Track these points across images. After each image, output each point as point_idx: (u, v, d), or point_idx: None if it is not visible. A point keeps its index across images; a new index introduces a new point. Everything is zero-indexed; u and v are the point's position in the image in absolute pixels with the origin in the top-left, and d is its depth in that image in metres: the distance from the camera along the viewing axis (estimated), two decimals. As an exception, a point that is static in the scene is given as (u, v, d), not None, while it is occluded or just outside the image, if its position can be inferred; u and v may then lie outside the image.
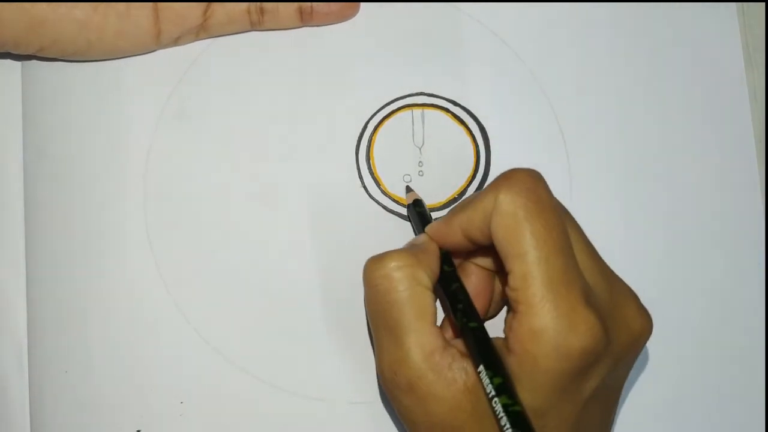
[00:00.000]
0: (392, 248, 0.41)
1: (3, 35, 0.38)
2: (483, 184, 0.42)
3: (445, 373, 0.33)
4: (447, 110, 0.42)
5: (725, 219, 0.43)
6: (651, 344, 0.42)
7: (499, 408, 0.32)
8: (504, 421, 0.31)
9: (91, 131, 0.42)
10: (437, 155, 0.42)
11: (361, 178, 0.42)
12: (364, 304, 0.36)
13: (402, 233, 0.41)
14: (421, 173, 0.42)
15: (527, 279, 0.33)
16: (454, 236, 0.36)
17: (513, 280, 0.33)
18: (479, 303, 0.38)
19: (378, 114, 0.42)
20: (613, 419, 0.37)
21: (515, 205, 0.33)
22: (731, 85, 0.44)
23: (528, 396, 0.33)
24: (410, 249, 0.36)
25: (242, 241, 0.41)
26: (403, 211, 0.42)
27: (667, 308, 0.42)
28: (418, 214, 0.40)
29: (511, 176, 0.34)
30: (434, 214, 0.42)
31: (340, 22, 0.42)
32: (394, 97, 0.42)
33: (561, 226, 0.33)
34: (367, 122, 0.42)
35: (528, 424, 0.31)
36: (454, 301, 0.36)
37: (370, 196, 0.42)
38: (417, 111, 0.42)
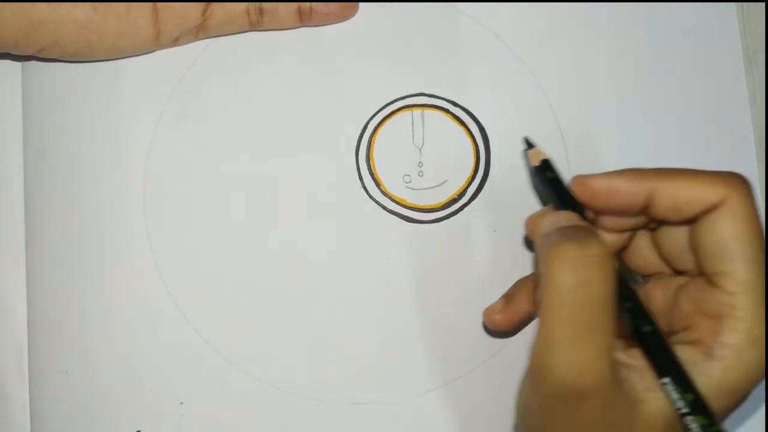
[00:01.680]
0: (392, 249, 0.41)
1: (3, 36, 0.38)
2: (483, 184, 0.42)
3: (621, 382, 0.32)
4: (447, 111, 0.42)
5: (725, 219, 0.43)
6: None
7: (696, 428, 0.31)
8: None
9: (91, 131, 0.42)
10: (437, 156, 0.42)
11: (361, 178, 0.42)
12: (551, 294, 0.31)
13: (402, 233, 0.41)
14: (421, 174, 0.42)
15: (750, 285, 0.32)
16: (633, 198, 0.34)
17: (730, 283, 0.32)
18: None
19: (378, 115, 0.42)
20: None
21: (750, 210, 0.33)
22: (731, 86, 0.44)
23: (725, 406, 0.32)
24: (591, 229, 0.33)
25: (242, 241, 0.41)
26: (403, 211, 0.42)
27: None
28: (552, 181, 0.36)
29: (744, 180, 0.33)
30: (434, 215, 0.42)
31: (340, 22, 0.42)
32: (394, 98, 0.42)
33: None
34: (367, 123, 0.42)
35: None
36: (623, 297, 0.33)
37: (370, 196, 0.42)
38: (417, 111, 0.42)
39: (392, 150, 0.42)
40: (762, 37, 0.45)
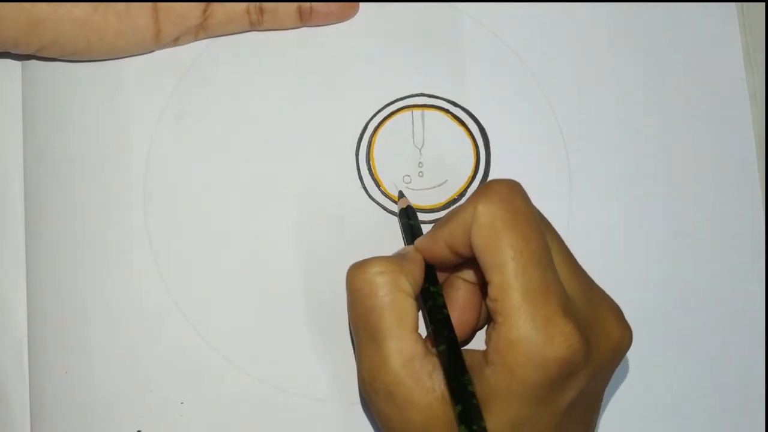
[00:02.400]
0: (392, 248, 0.41)
1: (3, 35, 0.38)
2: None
3: (424, 381, 0.33)
4: (447, 111, 0.42)
5: (725, 219, 0.43)
6: (651, 344, 0.42)
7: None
8: None
9: (91, 131, 0.42)
10: (437, 156, 0.42)
11: (361, 178, 0.42)
12: (347, 310, 0.36)
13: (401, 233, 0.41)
14: (421, 174, 0.42)
15: (505, 289, 0.32)
16: (440, 250, 0.36)
17: (492, 290, 0.33)
18: (467, 317, 0.38)
19: (378, 115, 0.42)
20: (593, 428, 0.37)
21: (493, 215, 0.33)
22: (731, 86, 0.44)
23: (504, 408, 0.33)
24: (394, 257, 0.36)
25: (242, 241, 0.41)
26: (403, 211, 0.42)
27: (667, 308, 0.42)
28: (407, 226, 0.40)
29: (488, 187, 0.34)
30: (434, 215, 0.42)
31: (340, 22, 0.42)
32: (394, 98, 0.42)
33: (539, 237, 0.33)
34: (367, 123, 0.42)
35: None
36: (433, 318, 0.36)
37: (370, 196, 0.42)
38: (417, 112, 0.42)
39: (392, 150, 0.42)
40: (762, 37, 0.45)
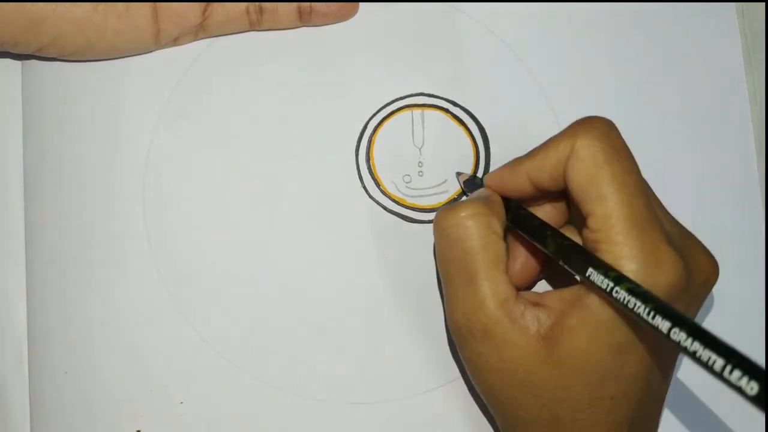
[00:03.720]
0: (392, 248, 0.41)
1: (2, 34, 0.38)
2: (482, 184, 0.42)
3: (520, 321, 0.34)
4: (447, 111, 0.42)
5: (725, 219, 0.43)
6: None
7: (623, 295, 0.31)
8: (634, 302, 0.31)
9: (91, 131, 0.42)
10: (437, 155, 0.42)
11: (361, 178, 0.42)
12: (435, 254, 0.37)
13: (402, 233, 0.41)
14: (420, 173, 0.42)
15: (610, 220, 0.33)
16: (519, 183, 0.37)
17: (594, 221, 0.33)
18: (531, 264, 0.38)
19: (378, 114, 0.42)
20: (675, 359, 0.37)
21: (594, 149, 0.34)
22: (731, 85, 0.44)
23: (608, 335, 0.33)
24: (480, 199, 0.37)
25: (242, 241, 0.41)
26: (403, 211, 0.42)
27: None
28: (474, 182, 0.41)
29: (587, 123, 0.35)
30: (433, 215, 0.42)
31: (340, 21, 0.42)
32: (394, 98, 0.42)
33: (638, 170, 0.35)
34: (367, 122, 0.42)
35: (661, 301, 0.31)
36: (542, 229, 0.36)
37: (370, 196, 0.42)
38: (417, 111, 0.42)
39: (392, 150, 0.42)
40: (762, 37, 0.45)
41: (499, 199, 0.37)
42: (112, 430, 0.40)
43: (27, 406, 0.40)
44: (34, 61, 0.42)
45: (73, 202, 0.41)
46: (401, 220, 0.42)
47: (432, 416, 0.41)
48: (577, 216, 0.36)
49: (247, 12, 0.41)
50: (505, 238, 0.37)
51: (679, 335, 0.30)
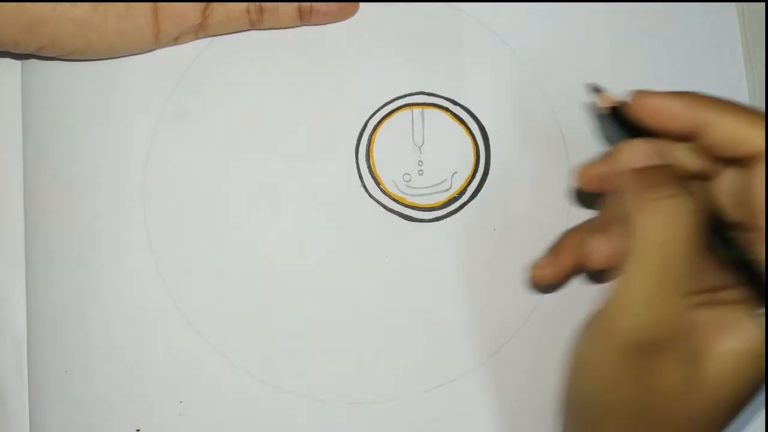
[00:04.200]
0: (392, 247, 0.41)
1: (2, 34, 0.38)
2: (483, 183, 0.42)
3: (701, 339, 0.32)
4: (447, 109, 0.42)
5: (725, 219, 0.43)
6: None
7: None
8: None
9: (90, 131, 0.42)
10: (437, 154, 0.42)
11: (361, 177, 0.42)
12: (637, 242, 0.31)
13: (402, 232, 0.41)
14: (420, 172, 0.42)
15: None
16: (684, 123, 0.33)
17: None
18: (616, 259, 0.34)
19: (378, 113, 0.42)
20: None
21: None
22: (731, 85, 0.44)
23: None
24: (678, 184, 0.32)
25: (242, 241, 0.41)
26: (403, 209, 0.42)
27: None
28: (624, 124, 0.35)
29: None
30: (433, 214, 0.42)
31: (340, 21, 0.42)
32: (394, 97, 0.42)
33: None
34: (367, 121, 0.42)
35: None
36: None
37: (370, 195, 0.42)
38: (417, 110, 0.42)
39: (392, 149, 0.42)
40: (762, 37, 0.45)
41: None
42: (112, 429, 0.40)
43: (26, 405, 0.40)
44: (34, 61, 0.42)
45: (73, 202, 0.41)
46: (401, 219, 0.42)
47: (432, 416, 0.41)
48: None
49: (248, 11, 0.41)
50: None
51: None
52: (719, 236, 0.33)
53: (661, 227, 0.31)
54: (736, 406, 0.32)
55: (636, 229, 0.31)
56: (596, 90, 0.36)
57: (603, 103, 0.35)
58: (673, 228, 0.31)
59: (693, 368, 0.31)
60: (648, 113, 0.34)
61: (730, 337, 0.31)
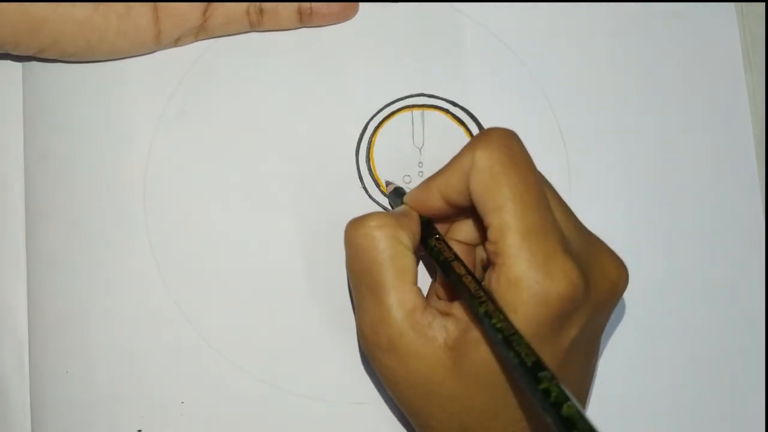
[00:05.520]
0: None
1: (3, 35, 0.38)
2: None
3: (426, 331, 0.34)
4: (447, 111, 0.43)
5: (725, 219, 0.43)
6: (651, 344, 0.42)
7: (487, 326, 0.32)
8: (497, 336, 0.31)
9: (91, 132, 0.42)
10: (437, 156, 0.42)
11: (361, 178, 0.42)
12: (346, 265, 0.36)
13: (402, 233, 0.41)
14: (421, 174, 0.42)
15: (504, 230, 0.33)
16: (433, 200, 0.36)
17: (491, 233, 0.33)
18: None
19: (378, 115, 0.42)
20: (593, 370, 0.37)
21: (492, 160, 0.34)
22: (730, 86, 0.44)
23: None
24: (391, 212, 0.37)
25: (242, 241, 0.41)
26: (403, 211, 0.42)
27: (667, 308, 0.42)
28: (397, 193, 0.40)
29: (487, 134, 0.35)
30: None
31: (340, 22, 0.42)
32: (394, 98, 0.42)
33: (537, 180, 0.34)
34: (367, 123, 0.42)
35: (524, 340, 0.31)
36: (447, 262, 0.35)
37: (370, 196, 0.42)
38: (417, 112, 0.42)
39: (392, 150, 0.42)
40: (761, 37, 0.45)
41: (415, 216, 0.37)
42: (113, 429, 0.40)
43: (28, 405, 0.40)
44: (34, 63, 0.42)
45: (73, 202, 0.41)
46: (401, 220, 0.42)
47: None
48: (482, 236, 0.36)
49: (248, 13, 0.41)
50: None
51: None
52: (427, 244, 0.36)
53: (347, 250, 0.36)
54: (499, 386, 0.34)
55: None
56: (386, 182, 0.42)
57: (388, 190, 0.41)
58: (354, 250, 0.35)
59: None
60: (416, 208, 0.37)
61: (476, 324, 0.33)
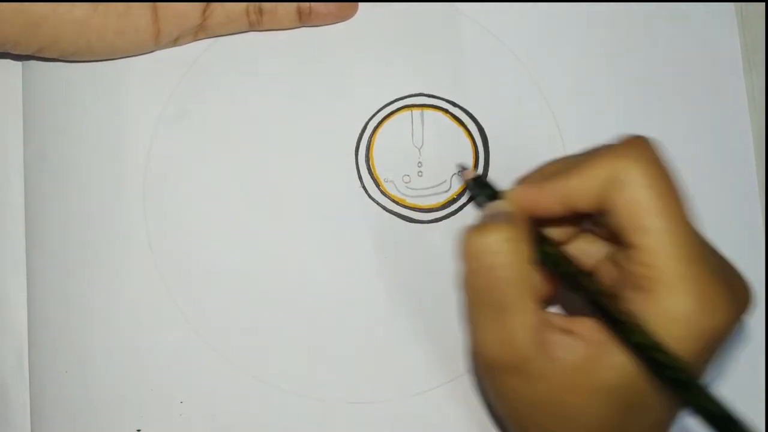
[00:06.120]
0: (391, 248, 0.41)
1: (3, 35, 0.38)
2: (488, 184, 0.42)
3: (553, 353, 0.32)
4: (446, 111, 0.43)
5: (725, 219, 0.43)
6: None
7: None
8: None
9: (91, 132, 0.42)
10: (436, 156, 0.42)
11: (360, 178, 0.42)
12: (462, 279, 0.34)
13: (402, 233, 0.41)
14: (420, 174, 0.42)
15: (661, 256, 0.31)
16: (550, 202, 0.34)
17: (641, 255, 0.31)
18: (550, 287, 0.36)
19: (377, 115, 0.42)
20: None
21: (644, 176, 0.32)
22: (730, 86, 0.44)
23: None
24: (507, 219, 0.34)
25: (242, 242, 0.41)
26: (403, 211, 0.42)
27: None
28: (481, 184, 0.38)
29: (632, 143, 0.32)
30: (433, 215, 0.42)
31: (339, 22, 0.42)
32: (394, 98, 0.42)
33: (685, 196, 0.32)
34: (367, 123, 0.42)
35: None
36: (576, 275, 0.34)
37: (370, 196, 0.42)
38: (416, 112, 0.42)
39: (392, 150, 0.42)
40: (761, 37, 0.45)
41: (525, 218, 0.34)
42: (113, 429, 0.40)
43: (27, 405, 0.41)
44: (34, 62, 0.42)
45: (73, 202, 0.41)
46: (401, 220, 0.42)
47: (432, 416, 0.41)
48: (612, 239, 0.34)
49: (247, 12, 0.41)
50: None
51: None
52: (543, 252, 0.34)
53: (468, 264, 0.34)
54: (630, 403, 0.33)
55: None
56: (460, 169, 0.41)
57: (465, 177, 0.40)
58: (479, 264, 0.33)
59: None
60: (525, 208, 0.35)
61: (614, 348, 0.32)
